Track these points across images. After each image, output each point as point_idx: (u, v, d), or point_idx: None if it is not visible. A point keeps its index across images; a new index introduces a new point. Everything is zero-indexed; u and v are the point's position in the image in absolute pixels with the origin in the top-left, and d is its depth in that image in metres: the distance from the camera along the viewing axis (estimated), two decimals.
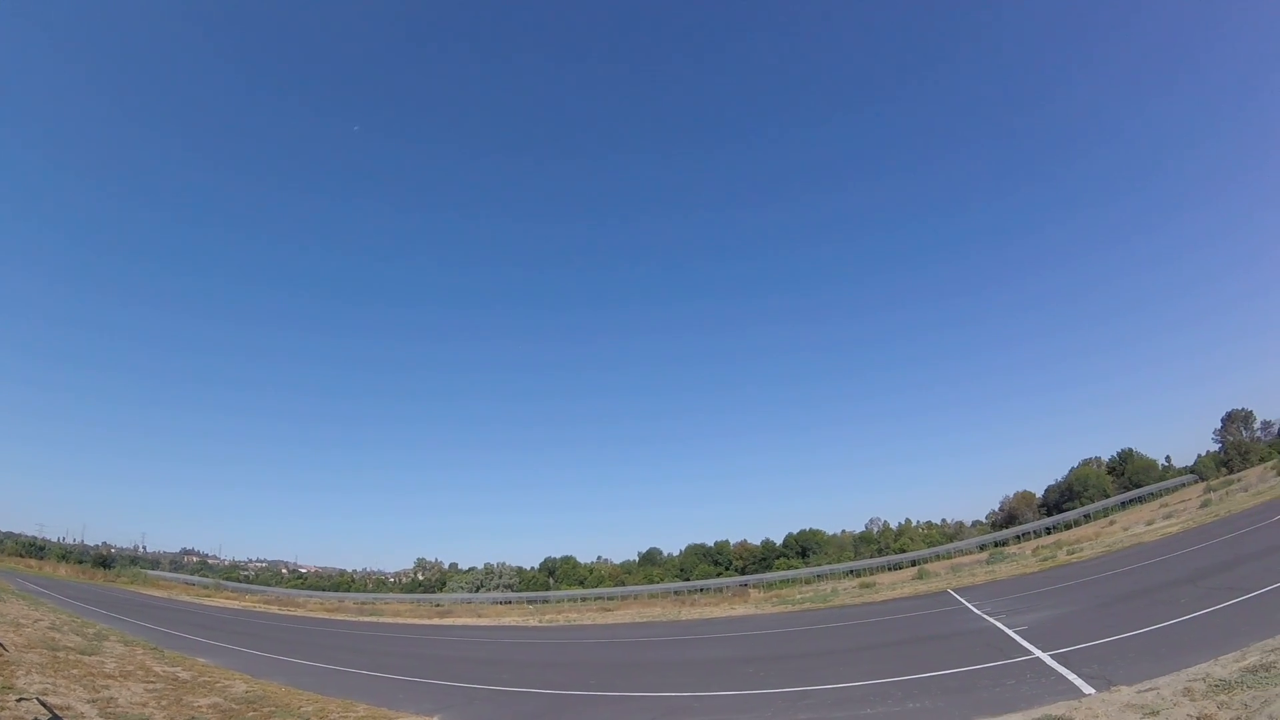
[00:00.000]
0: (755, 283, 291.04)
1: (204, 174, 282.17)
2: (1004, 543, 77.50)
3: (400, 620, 54.35)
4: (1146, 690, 10.46)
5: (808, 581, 74.24)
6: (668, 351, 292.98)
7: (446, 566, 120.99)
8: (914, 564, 73.32)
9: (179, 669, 19.18)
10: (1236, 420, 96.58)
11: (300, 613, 61.31)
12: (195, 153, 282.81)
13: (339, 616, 58.17)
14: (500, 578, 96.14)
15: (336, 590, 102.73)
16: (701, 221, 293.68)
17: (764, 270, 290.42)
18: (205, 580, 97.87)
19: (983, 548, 76.58)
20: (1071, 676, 12.43)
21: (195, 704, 14.62)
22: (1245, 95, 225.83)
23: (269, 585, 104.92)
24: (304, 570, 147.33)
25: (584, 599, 77.41)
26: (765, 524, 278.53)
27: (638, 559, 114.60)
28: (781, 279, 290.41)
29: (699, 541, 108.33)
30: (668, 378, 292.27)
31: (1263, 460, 79.10)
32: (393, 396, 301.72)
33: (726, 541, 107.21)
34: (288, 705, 15.46)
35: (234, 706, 14.87)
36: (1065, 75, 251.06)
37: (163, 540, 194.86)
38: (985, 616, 23.24)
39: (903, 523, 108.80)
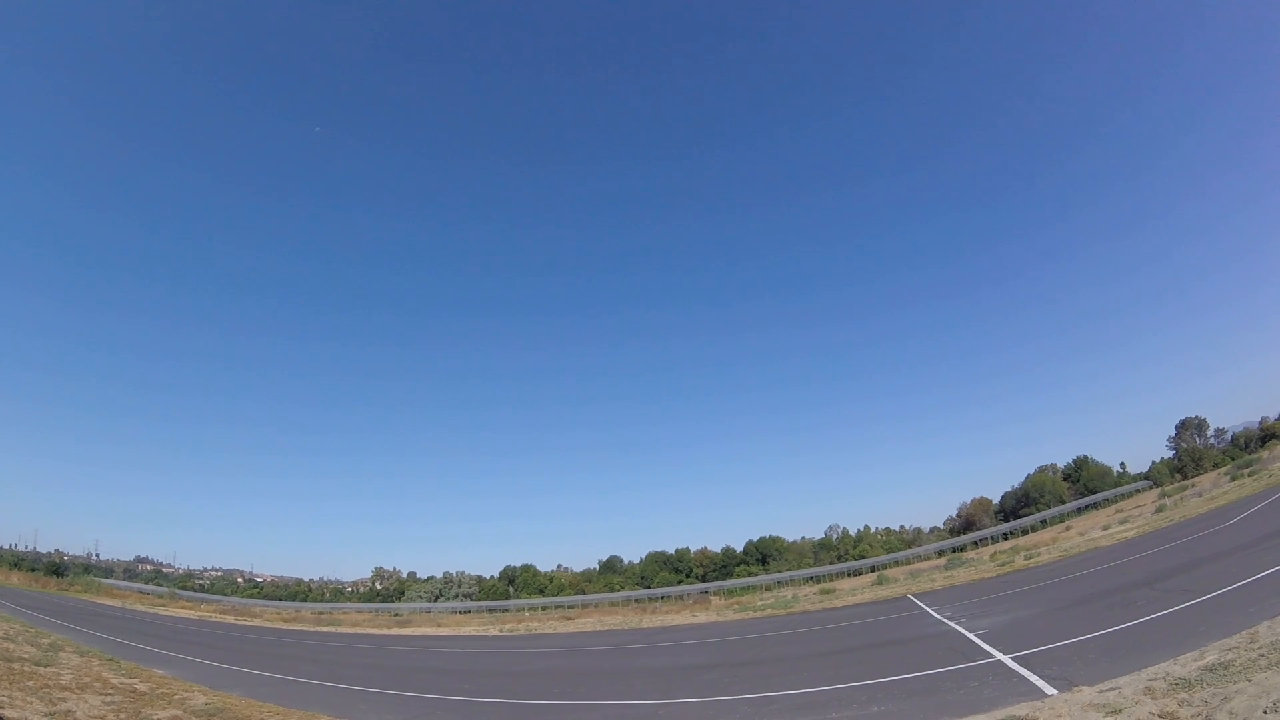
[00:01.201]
0: (714, 292, 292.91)
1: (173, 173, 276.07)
2: (962, 548, 78.56)
3: (359, 630, 53.99)
4: (1108, 690, 10.67)
5: (768, 588, 74.86)
6: (628, 361, 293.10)
7: (405, 576, 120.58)
8: (873, 570, 74.11)
9: (136, 680, 18.95)
10: (1190, 428, 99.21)
11: (257, 622, 60.76)
12: (177, 158, 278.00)
13: (296, 626, 57.62)
14: (459, 587, 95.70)
15: (293, 600, 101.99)
16: (661, 228, 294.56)
17: (725, 279, 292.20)
18: (160, 589, 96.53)
19: (941, 553, 77.57)
20: (1033, 678, 12.64)
21: (154, 717, 14.48)
22: (1203, 106, 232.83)
23: (225, 594, 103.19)
24: (260, 579, 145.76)
25: (545, 607, 77.08)
26: (726, 531, 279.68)
27: (598, 567, 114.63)
28: (742, 288, 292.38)
29: (660, 549, 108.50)
30: (628, 386, 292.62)
31: (1216, 466, 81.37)
32: (350, 404, 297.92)
33: (687, 549, 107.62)
34: (248, 717, 15.39)
35: (193, 719, 14.77)
36: (1023, 96, 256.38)
37: (117, 548, 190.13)
38: (946, 621, 23.54)
39: (862, 529, 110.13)
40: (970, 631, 19.62)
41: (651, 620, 46.56)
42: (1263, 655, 10.07)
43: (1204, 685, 9.63)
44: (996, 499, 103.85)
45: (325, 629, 55.31)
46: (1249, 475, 56.41)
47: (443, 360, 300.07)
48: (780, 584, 77.60)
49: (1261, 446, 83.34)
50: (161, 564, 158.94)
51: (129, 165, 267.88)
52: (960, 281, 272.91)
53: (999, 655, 15.31)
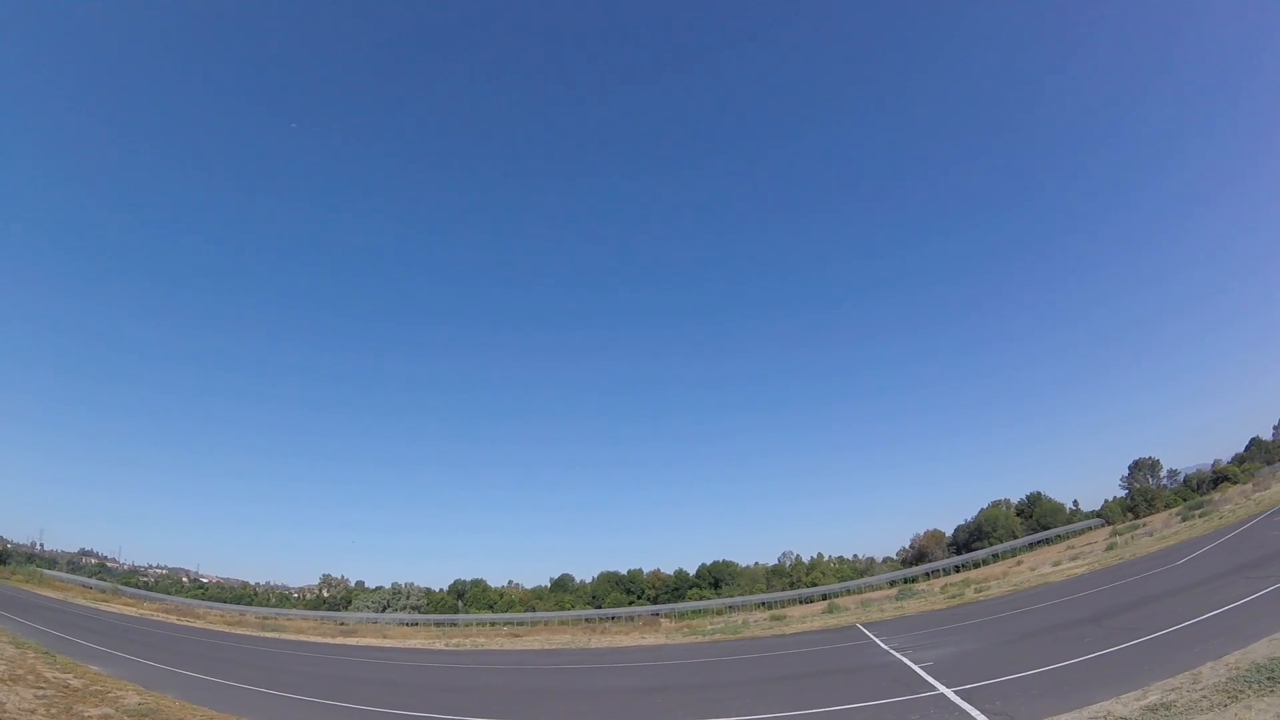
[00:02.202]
0: (677, 314, 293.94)
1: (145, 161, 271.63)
2: (913, 579, 79.04)
3: (303, 637, 53.70)
4: None
5: (719, 612, 74.65)
6: (590, 379, 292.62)
7: (353, 584, 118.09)
8: (825, 598, 74.26)
9: (70, 676, 19.01)
10: (1144, 468, 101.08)
11: (200, 624, 60.41)
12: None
13: (239, 630, 57.30)
14: (408, 598, 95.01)
15: (238, 603, 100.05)
16: (609, 246, 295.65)
17: (690, 301, 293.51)
18: (103, 584, 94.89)
19: (893, 584, 77.97)
20: (975, 713, 12.59)
21: (85, 714, 14.47)
22: (1167, 152, 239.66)
23: (169, 594, 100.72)
24: (205, 580, 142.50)
25: (493, 623, 76.32)
26: (680, 554, 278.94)
27: (550, 585, 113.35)
28: (707, 312, 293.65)
29: (612, 569, 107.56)
30: (588, 404, 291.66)
31: (1168, 507, 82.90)
32: (305, 408, 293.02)
33: (640, 570, 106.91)
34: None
35: (124, 719, 14.74)
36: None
37: (62, 539, 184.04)
38: (892, 651, 23.54)
39: (815, 557, 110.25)
40: (916, 663, 19.58)
41: (600, 640, 46.52)
42: (1204, 697, 10.07)
43: None
44: (950, 531, 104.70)
45: (269, 634, 54.97)
46: (1200, 516, 57.48)
47: (399, 369, 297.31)
48: (731, 609, 77.44)
49: (1213, 488, 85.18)
50: (106, 558, 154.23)
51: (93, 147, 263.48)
52: (919, 316, 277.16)
53: (942, 689, 15.25)
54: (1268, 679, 10.07)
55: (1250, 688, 9.93)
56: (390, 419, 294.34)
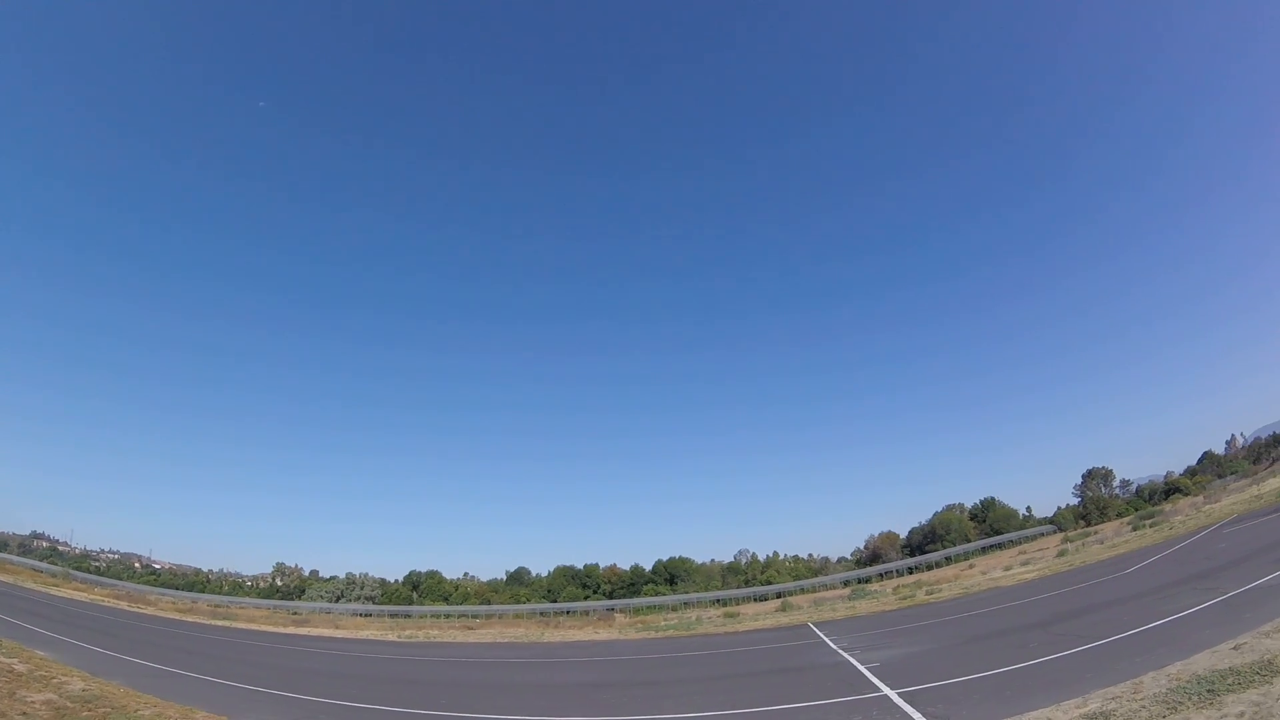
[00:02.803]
0: (637, 311, 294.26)
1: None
2: (867, 580, 79.74)
3: (255, 626, 53.63)
4: None
5: (674, 609, 74.94)
6: (544, 373, 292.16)
7: (307, 573, 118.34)
8: (779, 596, 74.78)
9: (15, 661, 19.08)
10: (1096, 477, 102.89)
11: (151, 611, 60.06)
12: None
13: (191, 618, 57.18)
14: (362, 589, 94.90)
15: (190, 590, 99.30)
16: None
17: (639, 297, 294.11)
18: (54, 568, 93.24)
19: (846, 584, 78.57)
20: (916, 716, 12.57)
21: (29, 699, 14.43)
22: (1134, 169, 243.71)
23: (120, 579, 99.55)
24: (158, 566, 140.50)
25: (448, 616, 76.71)
26: (636, 549, 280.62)
27: (505, 578, 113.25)
28: (669, 310, 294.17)
29: (568, 563, 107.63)
30: (546, 399, 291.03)
31: (1119, 516, 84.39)
32: (256, 394, 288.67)
33: (596, 565, 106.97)
34: (125, 707, 15.20)
35: (69, 705, 14.65)
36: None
37: (12, 521, 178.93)
38: (840, 651, 23.62)
39: (771, 555, 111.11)
40: (863, 664, 19.62)
41: (554, 635, 46.67)
42: (1144, 707, 10.05)
43: None
44: (904, 534, 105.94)
45: (220, 623, 54.83)
46: (1151, 526, 58.47)
47: (357, 357, 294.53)
48: (686, 605, 77.81)
49: (1165, 499, 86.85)
50: (58, 541, 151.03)
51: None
52: (880, 322, 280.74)
53: (886, 690, 15.25)
54: (1208, 691, 10.07)
55: (1190, 699, 9.92)
56: (348, 408, 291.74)
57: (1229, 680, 10.33)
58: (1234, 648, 12.35)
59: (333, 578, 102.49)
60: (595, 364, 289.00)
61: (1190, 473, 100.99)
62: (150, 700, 16.34)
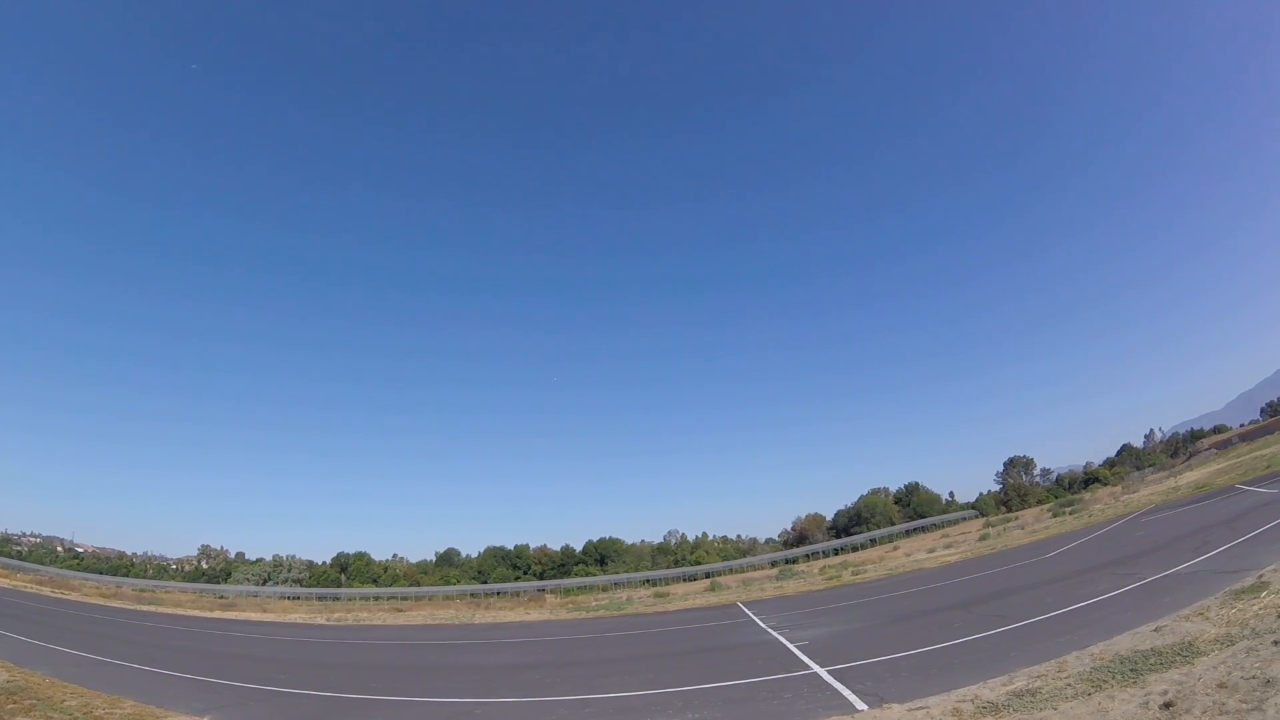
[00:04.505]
0: (574, 289, 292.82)
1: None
2: (794, 561, 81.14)
3: (180, 611, 52.84)
4: (917, 709, 10.70)
5: (604, 589, 75.44)
6: (471, 349, 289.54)
7: (232, 556, 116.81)
8: (708, 576, 75.61)
9: None
10: (1018, 465, 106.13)
11: (75, 596, 59.26)
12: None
13: (115, 603, 56.03)
14: (289, 571, 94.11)
15: (115, 574, 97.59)
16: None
17: (574, 273, 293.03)
18: None
19: (774, 564, 79.77)
20: (846, 692, 12.70)
21: None
22: (1067, 168, 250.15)
23: (42, 564, 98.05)
24: (81, 550, 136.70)
25: (377, 598, 76.52)
26: (567, 530, 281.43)
27: (435, 559, 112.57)
28: (587, 284, 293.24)
29: (499, 544, 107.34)
30: (473, 374, 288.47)
31: (1040, 503, 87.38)
32: (177, 370, 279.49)
33: (526, 546, 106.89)
34: (50, 699, 14.94)
35: None
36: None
37: None
38: (770, 630, 23.90)
39: (700, 536, 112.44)
40: (792, 642, 19.86)
41: (484, 616, 46.75)
42: (1069, 685, 10.25)
43: (1010, 710, 9.71)
44: (830, 516, 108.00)
45: (146, 608, 54.01)
46: (1071, 513, 60.41)
47: (277, 330, 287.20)
48: (617, 585, 78.36)
49: (1085, 489, 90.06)
50: None
51: None
52: (806, 307, 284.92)
53: (816, 668, 15.44)
54: (1131, 670, 10.32)
55: (1114, 678, 10.15)
56: (270, 384, 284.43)
57: (1151, 660, 10.59)
58: (1154, 630, 12.70)
59: (259, 560, 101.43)
60: (525, 341, 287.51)
61: (1109, 464, 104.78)
62: (76, 690, 16.15)
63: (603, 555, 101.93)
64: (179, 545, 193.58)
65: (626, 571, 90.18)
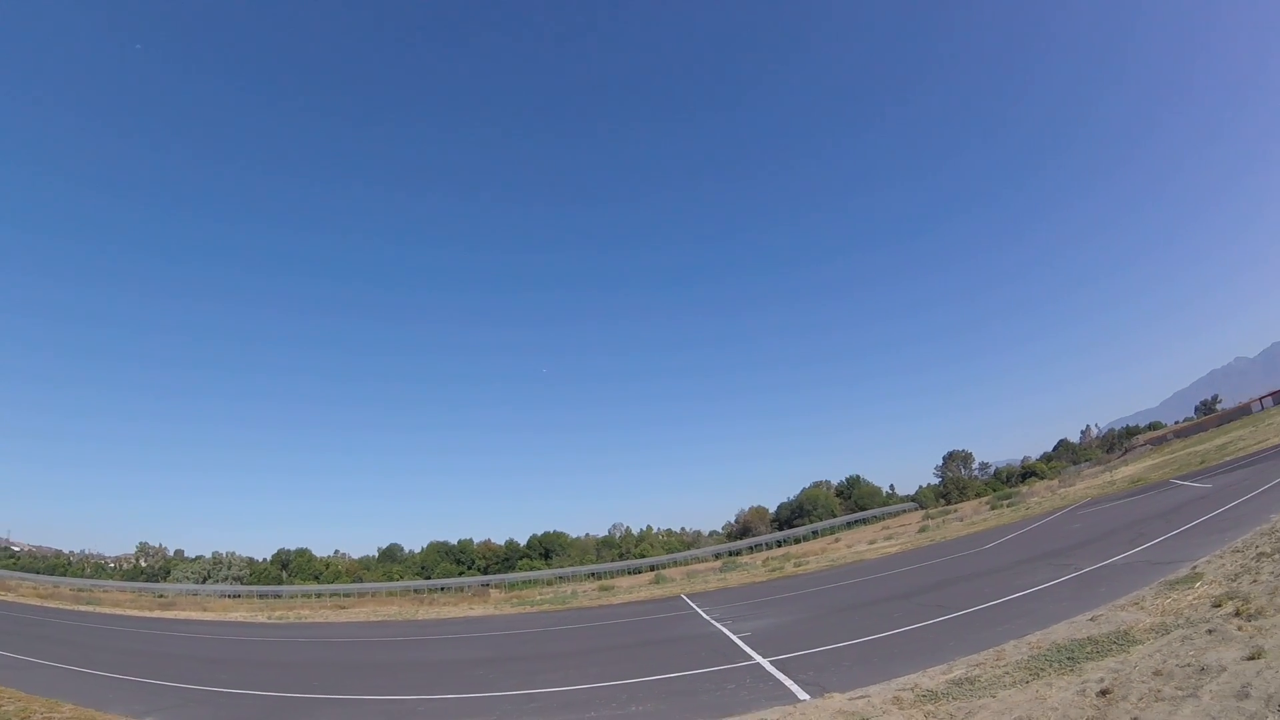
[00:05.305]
0: (521, 281, 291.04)
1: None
2: (738, 553, 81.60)
3: (119, 611, 51.36)
4: (858, 698, 10.73)
5: (549, 583, 75.20)
6: (423, 340, 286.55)
7: (171, 553, 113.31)
8: (653, 569, 75.65)
9: None
10: (957, 459, 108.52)
11: (10, 597, 57.83)
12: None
13: (52, 604, 54.69)
14: (229, 569, 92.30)
15: (51, 573, 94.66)
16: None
17: (513, 264, 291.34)
18: None
19: (718, 556, 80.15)
20: (788, 682, 12.75)
21: None
22: (1015, 165, 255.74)
23: None
24: (17, 548, 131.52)
25: (319, 595, 75.27)
26: (511, 524, 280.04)
27: (377, 555, 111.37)
28: (521, 277, 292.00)
29: (442, 539, 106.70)
30: (414, 368, 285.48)
31: (977, 496, 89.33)
32: (112, 363, 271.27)
33: (470, 540, 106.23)
34: None
35: None
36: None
37: None
38: (713, 622, 23.95)
39: (644, 529, 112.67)
40: (735, 634, 19.94)
41: (428, 612, 46.64)
42: (1007, 673, 10.38)
43: (950, 699, 9.79)
44: (773, 508, 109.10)
45: (83, 608, 52.55)
46: (1008, 506, 61.77)
47: (215, 324, 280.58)
48: (561, 579, 78.18)
49: (1022, 482, 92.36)
50: None
51: None
52: (745, 301, 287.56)
53: (759, 659, 15.50)
54: (1068, 659, 10.48)
55: (1051, 666, 10.30)
56: (208, 379, 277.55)
57: (1088, 649, 10.78)
58: (1091, 619, 12.94)
59: (199, 557, 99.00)
60: (466, 335, 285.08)
61: (1046, 458, 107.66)
62: (13, 694, 15.77)
63: (547, 549, 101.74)
64: (117, 543, 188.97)
65: (571, 565, 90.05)
